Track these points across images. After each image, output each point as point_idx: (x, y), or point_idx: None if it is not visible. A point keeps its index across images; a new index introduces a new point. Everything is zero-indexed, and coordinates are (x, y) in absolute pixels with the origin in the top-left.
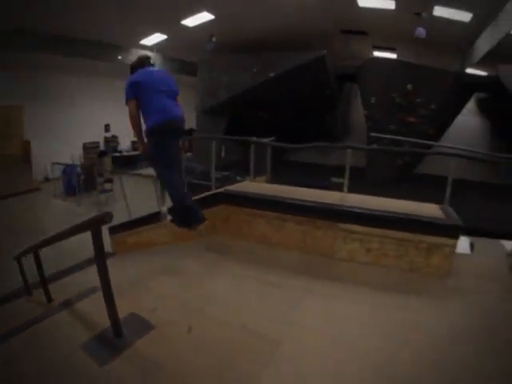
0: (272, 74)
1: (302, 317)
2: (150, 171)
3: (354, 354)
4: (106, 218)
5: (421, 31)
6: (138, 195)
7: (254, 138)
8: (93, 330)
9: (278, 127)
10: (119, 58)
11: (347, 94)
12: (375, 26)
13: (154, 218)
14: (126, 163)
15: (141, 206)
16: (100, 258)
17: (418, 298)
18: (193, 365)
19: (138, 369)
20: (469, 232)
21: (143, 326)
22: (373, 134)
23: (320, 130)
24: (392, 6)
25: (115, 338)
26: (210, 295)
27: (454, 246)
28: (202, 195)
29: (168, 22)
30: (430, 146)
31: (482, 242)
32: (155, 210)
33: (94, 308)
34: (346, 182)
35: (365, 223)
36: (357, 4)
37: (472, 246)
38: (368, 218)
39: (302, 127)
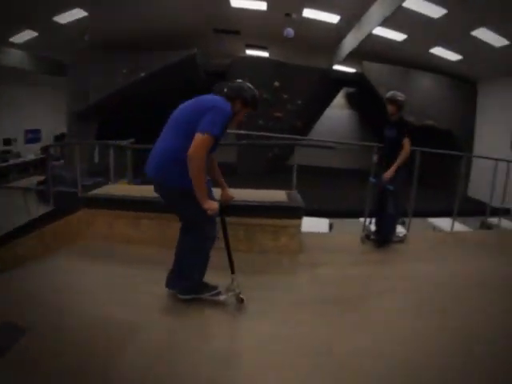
0: (143, 74)
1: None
2: (21, 183)
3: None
4: None
5: (289, 31)
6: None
7: (113, 142)
8: None
9: (149, 128)
10: None
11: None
12: (247, 25)
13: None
14: None
15: (8, 222)
16: None
17: (270, 277)
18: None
19: None
20: (331, 214)
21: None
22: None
23: None
24: (264, 6)
25: None
26: (78, 292)
27: (299, 226)
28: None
29: (39, 18)
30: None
31: (344, 222)
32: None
33: None
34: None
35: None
36: (229, 4)
37: (331, 226)
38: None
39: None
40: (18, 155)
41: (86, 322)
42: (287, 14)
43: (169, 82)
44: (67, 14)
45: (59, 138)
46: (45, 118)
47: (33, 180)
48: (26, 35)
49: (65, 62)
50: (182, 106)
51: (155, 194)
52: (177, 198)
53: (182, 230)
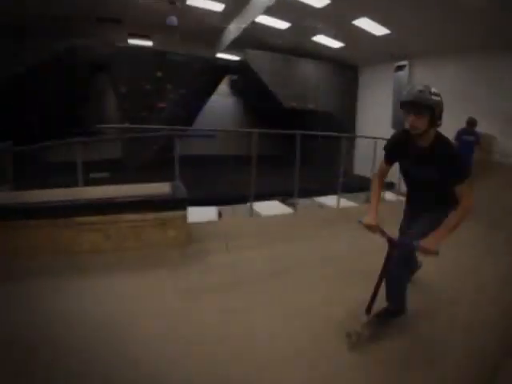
0: (22, 68)
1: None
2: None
3: None
4: None
5: (172, 20)
6: None
7: None
8: None
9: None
10: None
11: (99, 85)
12: (129, 14)
13: None
14: None
15: None
16: None
17: (158, 271)
18: None
19: None
20: (219, 202)
21: None
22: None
23: (75, 122)
24: None
25: None
26: None
27: (185, 217)
28: None
29: None
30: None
31: (233, 209)
32: None
33: None
34: (104, 175)
35: (99, 213)
36: None
37: (220, 213)
38: (101, 207)
39: (55, 122)
40: None
41: None
42: (171, 2)
43: (48, 75)
44: None
45: None
46: None
47: None
48: None
49: None
50: None
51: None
52: None
53: None
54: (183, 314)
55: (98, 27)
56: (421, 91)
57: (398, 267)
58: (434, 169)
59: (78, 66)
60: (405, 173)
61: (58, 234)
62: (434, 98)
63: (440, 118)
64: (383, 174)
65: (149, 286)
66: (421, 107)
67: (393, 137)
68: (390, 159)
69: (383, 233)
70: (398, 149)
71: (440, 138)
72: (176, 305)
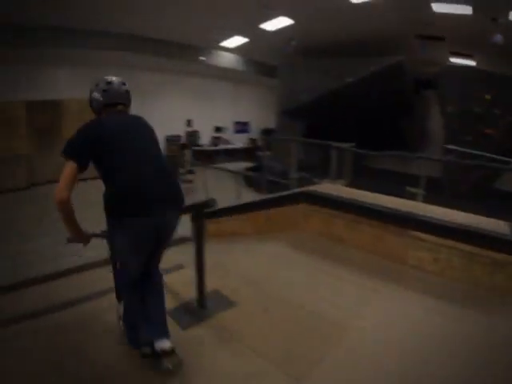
0: (350, 79)
1: (370, 313)
2: (230, 166)
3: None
4: (210, 203)
5: (498, 38)
6: (217, 188)
7: (336, 144)
8: (178, 300)
9: (354, 132)
10: (201, 59)
11: (425, 102)
12: (452, 31)
13: (234, 210)
14: (205, 157)
15: (219, 198)
16: (200, 238)
17: (477, 313)
18: (267, 339)
19: (216, 336)
20: None
21: (224, 302)
22: (449, 147)
23: (397, 137)
24: (469, 11)
25: (199, 308)
26: (286, 282)
27: None
28: (284, 193)
29: (247, 25)
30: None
31: None
32: (234, 202)
33: (181, 282)
34: (419, 192)
35: (434, 232)
36: (432, 9)
37: None
38: (438, 228)
39: (379, 134)
40: (227, 142)
41: (299, 313)
42: (493, 19)
43: (375, 88)
44: (273, 21)
45: (265, 132)
46: (255, 112)
47: (240, 165)
48: (237, 41)
49: (275, 65)
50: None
51: (371, 199)
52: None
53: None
54: None
55: (417, 45)
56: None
57: None
58: None
59: (404, 82)
60: None
61: (387, 239)
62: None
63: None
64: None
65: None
66: None
67: None
68: None
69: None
70: None
71: None
72: None
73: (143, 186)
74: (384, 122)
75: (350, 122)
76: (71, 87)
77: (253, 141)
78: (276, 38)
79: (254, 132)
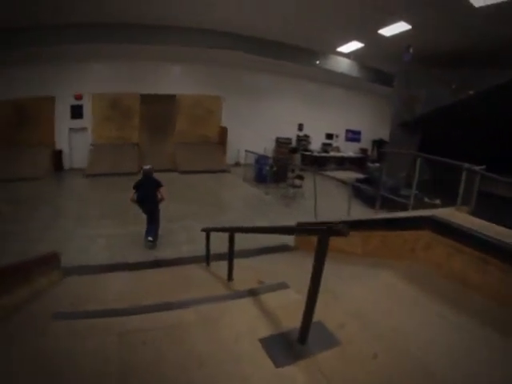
0: (471, 92)
1: None
2: (338, 175)
3: None
4: (342, 229)
5: None
6: (325, 195)
7: (467, 165)
8: (277, 328)
9: (473, 151)
10: (317, 62)
11: None
12: None
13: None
14: (314, 162)
15: (327, 208)
16: (319, 262)
17: None
18: None
19: (313, 381)
20: None
21: (327, 339)
22: None
23: None
24: None
25: (298, 343)
26: (400, 324)
27: None
28: (404, 214)
29: (365, 31)
30: None
31: None
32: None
33: (282, 306)
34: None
35: None
36: None
37: None
38: None
39: (503, 152)
40: (338, 150)
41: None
42: None
43: (504, 103)
44: (392, 27)
45: (376, 142)
46: (367, 121)
47: (349, 175)
48: (353, 46)
49: (391, 73)
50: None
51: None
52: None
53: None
54: None
55: None
56: None
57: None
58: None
59: None
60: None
61: None
62: None
63: None
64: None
65: None
66: None
67: None
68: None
69: None
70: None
71: None
72: None
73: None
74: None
75: (473, 140)
76: (184, 83)
77: (363, 151)
78: (392, 44)
79: (365, 142)
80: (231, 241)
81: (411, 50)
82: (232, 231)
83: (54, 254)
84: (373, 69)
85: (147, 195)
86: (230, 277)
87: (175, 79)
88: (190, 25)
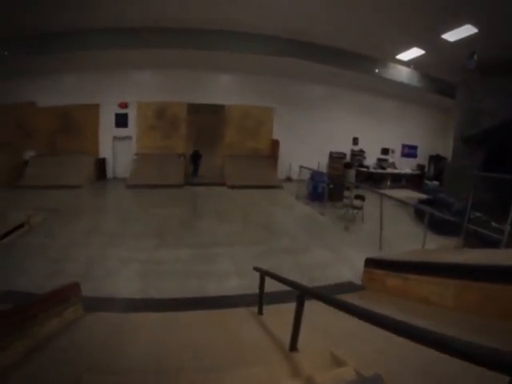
0: None
1: None
2: (395, 194)
3: None
4: None
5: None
6: (386, 220)
7: None
8: None
9: None
10: (376, 71)
11: None
12: None
13: (429, 268)
14: (369, 179)
15: (392, 235)
16: None
17: None
18: None
19: None
20: None
21: None
22: None
23: None
24: None
25: None
26: None
27: None
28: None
29: (427, 35)
30: None
31: None
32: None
33: None
34: None
35: None
36: None
37: None
38: None
39: None
40: (394, 166)
41: None
42: None
43: None
44: (456, 30)
45: (433, 158)
46: (423, 135)
47: (407, 193)
48: (413, 53)
49: (453, 83)
50: None
51: None
52: None
53: None
54: None
55: None
56: None
57: None
58: None
59: None
60: None
61: None
62: None
63: None
64: None
65: None
66: None
67: None
68: None
69: None
70: None
71: None
72: None
73: None
74: None
75: None
76: (233, 93)
77: (420, 167)
78: (455, 50)
79: (421, 157)
80: (300, 304)
81: (475, 57)
82: (301, 291)
83: (74, 286)
84: (433, 78)
85: None
86: (293, 345)
87: (224, 89)
88: (242, 29)
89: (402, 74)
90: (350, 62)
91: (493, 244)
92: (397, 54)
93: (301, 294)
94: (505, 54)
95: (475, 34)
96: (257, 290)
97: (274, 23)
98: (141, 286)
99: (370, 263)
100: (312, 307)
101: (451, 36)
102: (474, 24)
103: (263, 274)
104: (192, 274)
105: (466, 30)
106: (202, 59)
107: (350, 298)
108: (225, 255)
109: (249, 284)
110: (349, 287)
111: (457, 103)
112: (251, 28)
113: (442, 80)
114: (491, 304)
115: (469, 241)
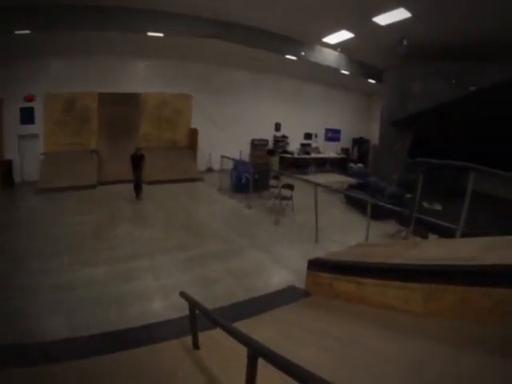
0: (473, 88)
1: None
2: (320, 179)
3: None
4: None
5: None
6: (322, 209)
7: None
8: None
9: (466, 149)
10: (302, 53)
11: None
12: None
13: (393, 271)
14: (293, 165)
15: (326, 225)
16: None
17: None
18: None
19: None
20: None
21: None
22: None
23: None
24: None
25: None
26: None
27: None
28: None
29: (358, 18)
30: None
31: None
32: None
33: None
34: None
35: None
36: None
37: None
38: None
39: (496, 152)
40: (318, 150)
41: None
42: None
43: (499, 101)
44: (389, 14)
45: (357, 141)
46: (346, 119)
47: (334, 178)
48: (342, 36)
49: (381, 67)
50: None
51: None
52: None
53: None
54: None
55: None
56: None
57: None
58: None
59: None
60: None
61: None
62: None
63: None
64: None
65: None
66: None
67: None
68: None
69: None
70: None
71: None
72: None
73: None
74: (505, 137)
75: (463, 137)
76: (149, 80)
77: (344, 150)
78: (386, 34)
79: (345, 141)
80: (251, 369)
81: (405, 42)
82: (253, 351)
83: None
84: (361, 62)
85: None
86: None
87: (139, 76)
88: (159, 8)
89: (329, 58)
90: (276, 45)
91: (441, 230)
92: (324, 37)
93: (252, 358)
94: (433, 39)
95: (408, 19)
96: (187, 311)
97: (196, 1)
98: (50, 323)
99: (315, 265)
100: None
101: (383, 19)
102: (408, 8)
103: (192, 305)
104: (109, 298)
105: (399, 14)
106: (114, 43)
107: (296, 309)
108: (147, 270)
109: (177, 303)
110: (293, 294)
111: (385, 87)
112: (170, 6)
113: (369, 64)
114: (465, 307)
115: (414, 228)
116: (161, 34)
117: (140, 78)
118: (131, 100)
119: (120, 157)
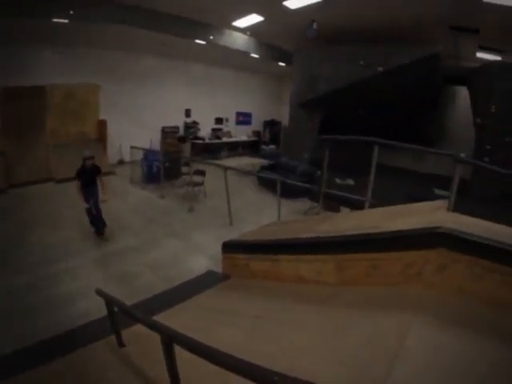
0: (381, 69)
1: None
2: (233, 162)
3: None
4: None
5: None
6: (235, 192)
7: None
8: None
9: (372, 127)
10: (211, 38)
11: (445, 97)
12: (490, 23)
13: (305, 246)
14: (204, 150)
15: (241, 208)
16: None
17: None
18: None
19: None
20: None
21: None
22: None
23: (416, 133)
24: None
25: None
26: None
27: None
28: (407, 232)
29: (269, 2)
30: None
31: None
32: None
33: None
34: (452, 197)
35: None
36: None
37: None
38: None
39: (398, 128)
40: (229, 134)
41: None
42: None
43: (405, 81)
44: None
45: (268, 123)
46: (257, 102)
47: (246, 161)
48: (251, 19)
49: (290, 50)
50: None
51: None
52: None
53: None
54: None
55: (447, 37)
56: None
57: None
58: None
59: (435, 75)
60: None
61: None
62: None
63: None
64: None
65: None
66: None
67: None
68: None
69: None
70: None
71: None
72: None
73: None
74: (405, 115)
75: (369, 116)
76: (54, 71)
77: (256, 133)
78: (295, 18)
79: (256, 124)
80: (169, 355)
81: (316, 26)
82: (166, 337)
83: None
84: (270, 45)
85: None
86: None
87: (44, 67)
88: None
89: (238, 42)
90: (184, 29)
91: (352, 203)
92: (234, 21)
93: (167, 343)
94: (343, 23)
95: (318, 3)
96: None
97: None
98: None
99: (229, 248)
100: None
101: (293, 3)
102: None
103: (109, 302)
104: (27, 307)
105: None
106: (15, 30)
107: (216, 293)
108: (64, 272)
109: (99, 303)
110: (212, 279)
111: (294, 70)
112: None
113: (279, 47)
114: (376, 273)
115: (325, 203)
116: (66, 21)
117: (46, 68)
118: (36, 93)
119: (29, 156)
